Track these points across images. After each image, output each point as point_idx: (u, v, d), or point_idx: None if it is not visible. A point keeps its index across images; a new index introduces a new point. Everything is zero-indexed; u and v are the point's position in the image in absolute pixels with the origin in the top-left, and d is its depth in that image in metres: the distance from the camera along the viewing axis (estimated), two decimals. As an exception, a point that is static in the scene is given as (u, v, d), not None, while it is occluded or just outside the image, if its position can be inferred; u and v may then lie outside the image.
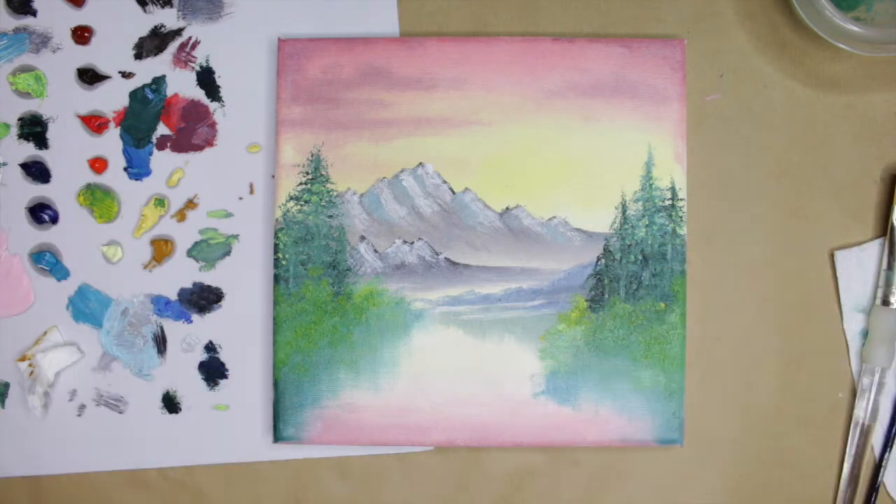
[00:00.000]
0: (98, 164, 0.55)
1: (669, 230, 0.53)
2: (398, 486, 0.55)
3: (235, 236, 0.55)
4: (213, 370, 0.55)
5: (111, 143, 0.55)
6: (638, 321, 0.53)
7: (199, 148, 0.55)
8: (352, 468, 0.55)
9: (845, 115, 0.55)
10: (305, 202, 0.54)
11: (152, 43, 0.56)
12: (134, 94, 0.55)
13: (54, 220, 0.55)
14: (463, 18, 0.56)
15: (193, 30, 0.56)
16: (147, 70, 0.55)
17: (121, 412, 0.55)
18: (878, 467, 0.54)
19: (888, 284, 0.54)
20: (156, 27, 0.56)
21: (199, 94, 0.55)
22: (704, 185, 0.55)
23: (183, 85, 0.55)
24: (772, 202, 0.55)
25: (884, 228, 0.55)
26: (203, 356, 0.55)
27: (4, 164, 0.55)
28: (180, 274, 0.55)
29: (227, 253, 0.55)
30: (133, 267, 0.55)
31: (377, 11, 0.55)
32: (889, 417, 0.54)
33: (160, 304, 0.55)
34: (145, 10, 0.55)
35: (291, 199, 0.54)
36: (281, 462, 0.55)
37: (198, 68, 0.55)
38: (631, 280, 0.53)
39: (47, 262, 0.55)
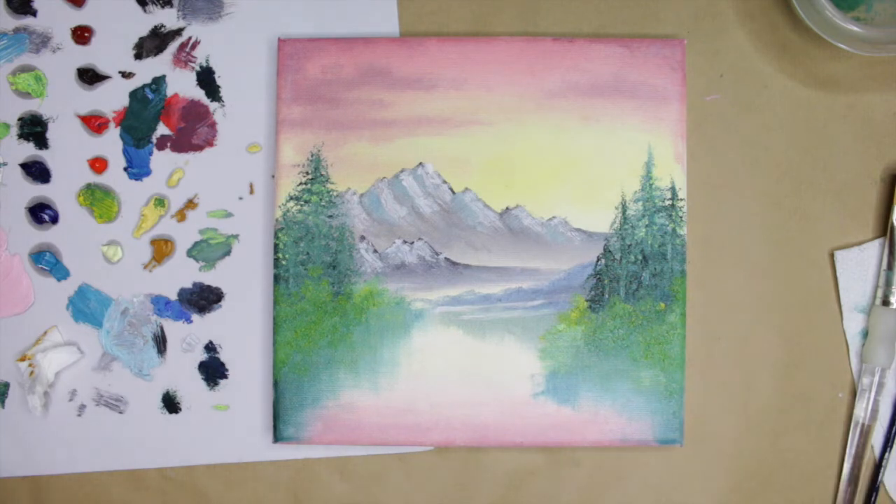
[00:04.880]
0: (98, 164, 0.55)
1: (669, 230, 0.54)
2: (398, 486, 0.55)
3: (235, 236, 0.55)
4: (213, 370, 0.55)
5: (111, 143, 0.55)
6: (638, 321, 0.53)
7: (199, 148, 0.55)
8: (352, 468, 0.55)
9: (845, 115, 0.55)
10: (305, 202, 0.54)
11: (152, 43, 0.56)
12: (134, 94, 0.55)
13: (54, 220, 0.55)
14: (463, 18, 0.56)
15: (193, 30, 0.56)
16: (147, 70, 0.55)
17: (121, 412, 0.55)
18: (878, 467, 0.54)
19: (888, 284, 0.54)
20: (156, 27, 0.56)
21: (199, 94, 0.55)
22: (704, 185, 0.55)
23: (183, 85, 0.55)
24: (772, 202, 0.55)
25: (884, 228, 0.55)
26: (203, 356, 0.55)
27: (4, 164, 0.55)
28: (180, 274, 0.55)
29: (227, 253, 0.55)
30: (133, 267, 0.55)
31: (377, 11, 0.55)
32: (889, 417, 0.54)
33: (160, 304, 0.55)
34: (145, 10, 0.55)
35: (291, 199, 0.54)
36: (281, 462, 0.55)
37: (198, 68, 0.55)
38: (631, 280, 0.53)
39: (47, 262, 0.55)
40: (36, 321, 0.55)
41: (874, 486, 0.54)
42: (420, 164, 0.54)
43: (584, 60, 0.54)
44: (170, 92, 0.55)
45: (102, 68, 0.55)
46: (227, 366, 0.55)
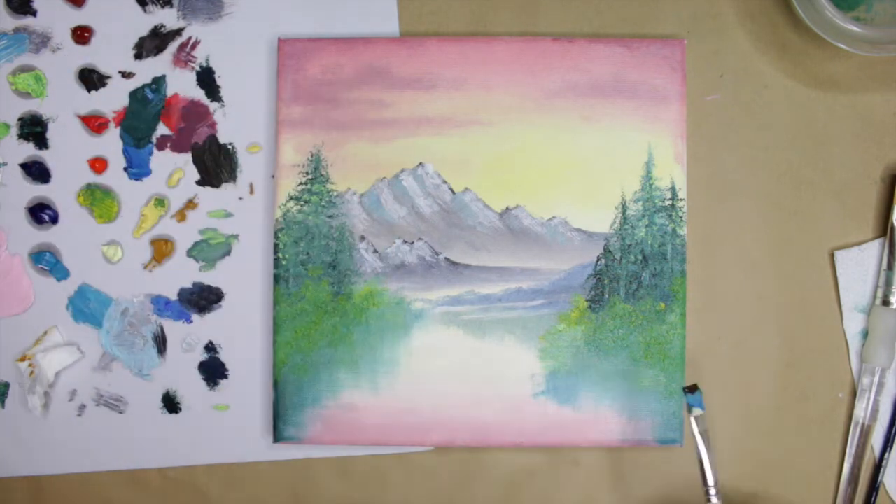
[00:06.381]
0: (98, 164, 0.55)
1: (669, 230, 0.54)
2: (398, 486, 0.55)
3: (235, 236, 0.55)
4: (213, 370, 0.55)
5: (111, 143, 0.55)
6: (638, 321, 0.53)
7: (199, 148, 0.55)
8: (352, 468, 0.55)
9: (845, 115, 0.55)
10: (305, 202, 0.54)
11: (152, 43, 0.56)
12: (134, 94, 0.55)
13: (54, 220, 0.55)
14: (463, 18, 0.56)
15: (193, 30, 0.56)
16: (147, 70, 0.55)
17: (121, 412, 0.55)
18: (878, 467, 0.54)
19: (888, 284, 0.54)
20: (156, 27, 0.56)
21: (199, 94, 0.55)
22: (704, 185, 0.55)
23: (183, 85, 0.55)
24: (772, 202, 0.55)
25: (884, 228, 0.55)
26: (203, 356, 0.55)
27: (4, 164, 0.55)
28: (180, 274, 0.55)
29: (227, 253, 0.55)
30: (133, 267, 0.55)
31: (377, 11, 0.55)
32: (889, 417, 0.54)
33: (160, 304, 0.55)
34: (145, 10, 0.56)
35: (291, 199, 0.54)
36: (281, 462, 0.55)
37: (198, 68, 0.55)
38: (631, 280, 0.53)
39: (47, 262, 0.55)
40: (36, 321, 0.55)
41: (874, 486, 0.54)
42: (420, 164, 0.54)
43: (584, 60, 0.54)
44: (170, 92, 0.55)
45: (102, 68, 0.55)
46: (227, 366, 0.55)
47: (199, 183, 0.55)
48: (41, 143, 0.55)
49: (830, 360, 0.55)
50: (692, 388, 0.50)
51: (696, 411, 0.49)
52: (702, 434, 0.49)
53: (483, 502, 0.55)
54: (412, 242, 0.54)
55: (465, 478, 0.55)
